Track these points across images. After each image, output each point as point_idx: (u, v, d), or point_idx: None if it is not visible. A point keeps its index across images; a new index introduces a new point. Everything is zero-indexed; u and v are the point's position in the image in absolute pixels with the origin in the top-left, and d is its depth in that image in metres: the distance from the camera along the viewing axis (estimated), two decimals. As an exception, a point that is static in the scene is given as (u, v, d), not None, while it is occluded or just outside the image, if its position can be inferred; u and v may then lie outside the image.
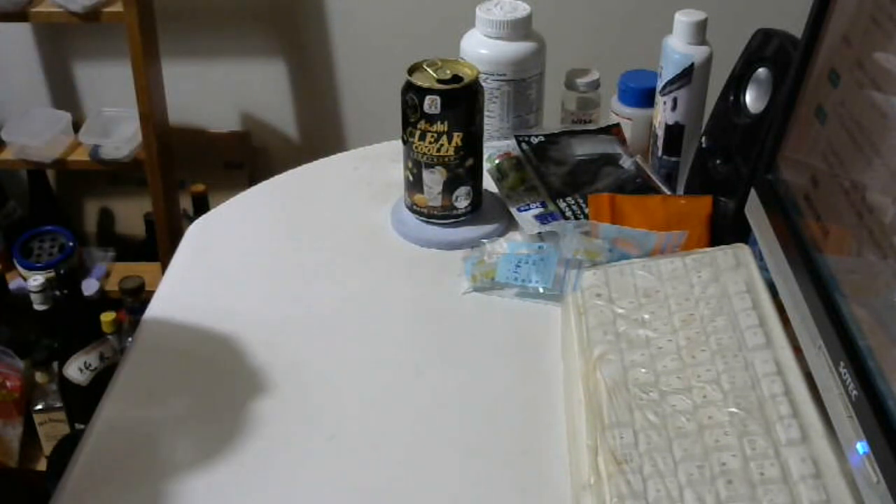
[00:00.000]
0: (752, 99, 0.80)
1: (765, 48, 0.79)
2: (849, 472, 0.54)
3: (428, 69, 0.81)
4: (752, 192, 0.72)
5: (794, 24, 0.72)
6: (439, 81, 0.79)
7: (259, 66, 1.82)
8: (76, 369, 1.42)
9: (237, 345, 0.74)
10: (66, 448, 1.43)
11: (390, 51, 1.73)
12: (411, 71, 0.81)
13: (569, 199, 0.86)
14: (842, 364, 0.54)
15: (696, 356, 0.64)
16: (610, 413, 0.61)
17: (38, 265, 1.64)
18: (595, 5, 1.70)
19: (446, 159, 0.81)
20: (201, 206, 1.68)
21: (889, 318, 0.51)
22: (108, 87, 1.80)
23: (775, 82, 0.77)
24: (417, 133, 0.80)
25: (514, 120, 0.94)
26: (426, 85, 0.79)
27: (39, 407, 1.49)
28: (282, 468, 0.63)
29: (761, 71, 0.79)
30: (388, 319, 0.77)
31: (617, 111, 0.95)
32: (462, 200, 0.84)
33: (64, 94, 1.86)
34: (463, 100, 0.80)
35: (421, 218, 0.85)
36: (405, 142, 0.82)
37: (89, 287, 1.71)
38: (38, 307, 1.47)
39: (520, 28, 0.91)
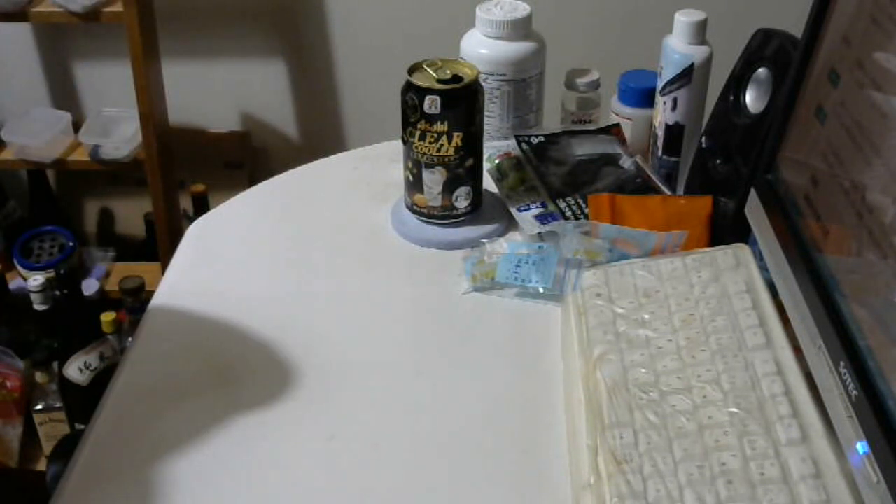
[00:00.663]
0: (752, 99, 0.80)
1: (765, 48, 0.79)
2: (849, 472, 0.54)
3: (428, 69, 0.81)
4: (752, 192, 0.72)
5: (794, 24, 0.72)
6: (439, 81, 0.79)
7: (259, 66, 1.82)
8: (76, 369, 1.42)
9: (237, 345, 0.74)
10: (66, 448, 1.43)
11: (390, 51, 1.73)
12: (411, 71, 0.81)
13: (569, 199, 0.86)
14: (842, 364, 0.54)
15: (696, 356, 0.64)
16: (610, 413, 0.61)
17: (38, 265, 1.64)
18: (595, 5, 1.70)
19: (446, 159, 0.81)
20: (201, 206, 1.68)
21: (889, 318, 0.51)
22: (108, 87, 1.80)
23: (775, 82, 0.77)
24: (417, 133, 0.80)
25: (514, 120, 0.94)
26: (426, 85, 0.79)
27: (39, 407, 1.49)
28: (282, 468, 0.63)
29: (761, 71, 0.79)
30: (387, 319, 0.77)
31: (617, 111, 0.95)
32: (462, 200, 0.84)
33: (64, 94, 1.86)
34: (463, 100, 0.80)
35: (421, 218, 0.85)
36: (405, 142, 0.82)
37: (89, 287, 1.71)
38: (38, 307, 1.47)
39: (520, 28, 0.91)
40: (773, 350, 0.63)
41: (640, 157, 0.90)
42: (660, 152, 0.90)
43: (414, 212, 0.86)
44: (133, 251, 1.86)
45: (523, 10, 0.92)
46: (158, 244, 1.72)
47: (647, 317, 0.69)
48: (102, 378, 1.41)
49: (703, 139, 0.85)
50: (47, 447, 1.52)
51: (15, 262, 1.67)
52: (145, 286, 1.52)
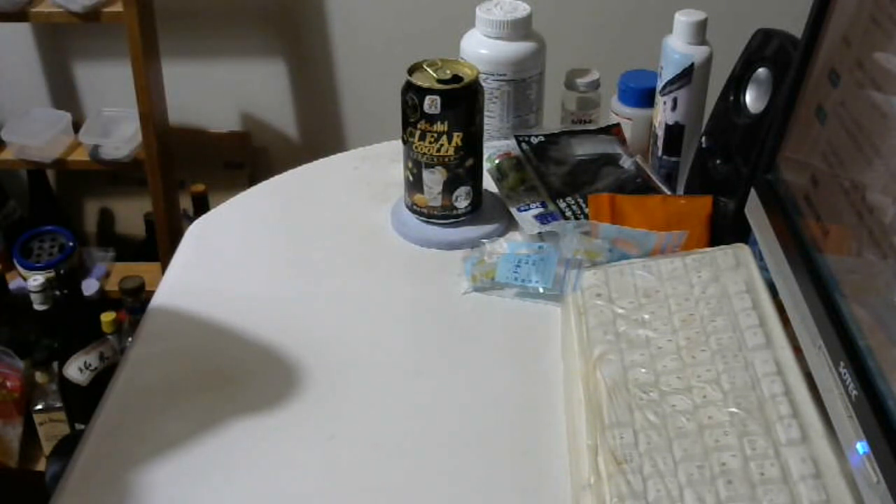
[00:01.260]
0: (752, 99, 0.80)
1: (765, 48, 0.79)
2: (849, 472, 0.54)
3: (428, 69, 0.81)
4: (752, 192, 0.72)
5: (794, 24, 0.72)
6: (439, 81, 0.79)
7: (259, 66, 1.82)
8: (76, 369, 1.42)
9: (237, 345, 0.74)
10: (66, 448, 1.43)
11: (390, 51, 1.73)
12: (411, 71, 0.81)
13: (569, 199, 0.86)
14: (842, 364, 0.54)
15: (696, 356, 0.64)
16: (610, 413, 0.61)
17: (38, 265, 1.64)
18: (595, 5, 1.70)
19: (446, 159, 0.81)
20: (201, 206, 1.68)
21: (889, 318, 0.51)
22: (108, 87, 1.80)
23: (775, 82, 0.77)
24: (417, 133, 0.80)
25: (514, 120, 0.94)
26: (426, 85, 0.79)
27: (39, 407, 1.49)
28: (282, 468, 0.63)
29: (761, 71, 0.79)
30: (387, 319, 0.77)
31: (617, 111, 0.95)
32: (462, 200, 0.84)
33: (64, 94, 1.86)
34: (463, 100, 0.80)
35: (421, 218, 0.85)
36: (405, 142, 0.82)
37: (89, 287, 1.71)
38: (38, 307, 1.47)
39: (520, 28, 0.91)
40: (773, 350, 0.63)
41: (640, 157, 0.90)
42: (660, 152, 0.90)
43: (414, 212, 0.86)
44: (133, 251, 1.86)
45: (523, 10, 0.92)
46: (158, 244, 1.72)
47: (647, 317, 0.69)
48: (102, 378, 1.41)
49: (703, 139, 0.85)
50: (47, 447, 1.52)
51: (15, 262, 1.67)
52: (145, 286, 1.52)
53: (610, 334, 0.68)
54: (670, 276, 0.72)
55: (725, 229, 0.79)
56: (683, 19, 0.84)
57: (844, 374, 0.53)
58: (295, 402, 0.68)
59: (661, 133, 0.89)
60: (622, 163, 0.89)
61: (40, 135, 1.63)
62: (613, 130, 0.93)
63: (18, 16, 1.53)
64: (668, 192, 0.87)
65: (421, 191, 0.83)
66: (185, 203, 1.77)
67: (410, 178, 0.84)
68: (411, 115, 0.80)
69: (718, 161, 0.83)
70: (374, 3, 1.74)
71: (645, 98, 0.92)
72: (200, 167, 1.81)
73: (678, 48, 0.85)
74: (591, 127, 0.95)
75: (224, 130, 1.87)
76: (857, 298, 0.55)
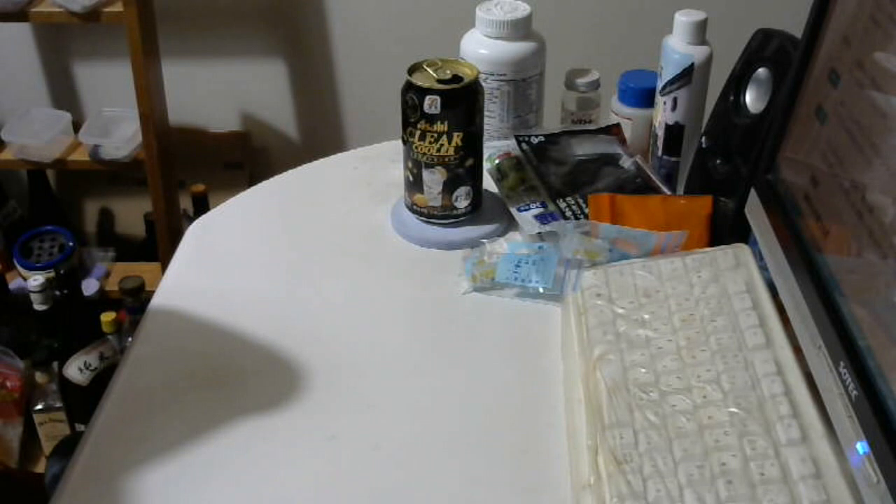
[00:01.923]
0: (752, 99, 0.80)
1: (765, 48, 0.79)
2: (849, 472, 0.54)
3: (428, 69, 0.81)
4: (752, 192, 0.72)
5: (794, 24, 0.72)
6: (439, 81, 0.79)
7: (259, 66, 1.82)
8: (76, 369, 1.42)
9: (237, 345, 0.74)
10: (66, 448, 1.43)
11: (390, 51, 1.73)
12: (411, 71, 0.81)
13: (569, 199, 0.86)
14: (842, 364, 0.54)
15: (696, 356, 0.64)
16: (610, 413, 0.61)
17: (38, 265, 1.64)
18: (595, 5, 1.70)
19: (446, 159, 0.81)
20: (201, 206, 1.68)
21: (889, 318, 0.51)
22: (108, 87, 1.80)
23: (775, 82, 0.77)
24: (417, 133, 0.80)
25: (514, 120, 0.94)
26: (426, 85, 0.79)
27: (39, 407, 1.49)
28: (282, 468, 0.63)
29: (761, 71, 0.79)
30: (387, 319, 0.77)
31: (617, 111, 0.95)
32: (462, 200, 0.84)
33: (64, 94, 1.86)
34: (463, 100, 0.80)
35: (421, 218, 0.85)
36: (405, 142, 0.82)
37: (89, 287, 1.71)
38: (38, 307, 1.47)
39: (520, 28, 0.91)
40: (773, 350, 0.63)
41: (640, 157, 0.90)
42: (660, 152, 0.90)
43: (414, 212, 0.86)
44: (133, 251, 1.86)
45: (523, 10, 0.92)
46: (158, 244, 1.72)
47: (647, 317, 0.69)
48: (102, 378, 1.41)
49: (703, 139, 0.85)
50: (47, 447, 1.52)
51: (15, 262, 1.67)
52: (145, 286, 1.52)
53: (610, 334, 0.68)
54: (670, 276, 0.72)
55: (725, 229, 0.79)
56: (683, 19, 0.84)
57: (844, 374, 0.53)
58: (295, 401, 0.68)
59: (661, 133, 0.89)
60: (622, 163, 0.89)
61: (40, 135, 1.63)
62: (613, 130, 0.93)
63: (18, 16, 1.53)
64: (668, 192, 0.87)
65: (421, 191, 0.83)
66: (185, 203, 1.78)
67: (410, 178, 0.84)
68: (411, 115, 0.80)
69: (718, 161, 0.83)
70: (374, 3, 1.74)
71: (645, 98, 0.92)
72: (200, 167, 1.81)
73: (678, 48, 0.85)
74: (591, 127, 0.95)
75: (224, 130, 1.87)
76: (857, 298, 0.55)
